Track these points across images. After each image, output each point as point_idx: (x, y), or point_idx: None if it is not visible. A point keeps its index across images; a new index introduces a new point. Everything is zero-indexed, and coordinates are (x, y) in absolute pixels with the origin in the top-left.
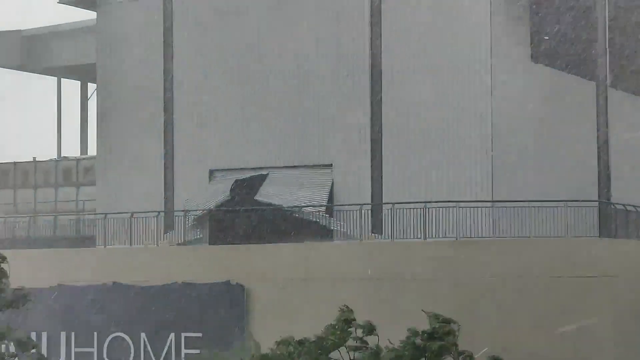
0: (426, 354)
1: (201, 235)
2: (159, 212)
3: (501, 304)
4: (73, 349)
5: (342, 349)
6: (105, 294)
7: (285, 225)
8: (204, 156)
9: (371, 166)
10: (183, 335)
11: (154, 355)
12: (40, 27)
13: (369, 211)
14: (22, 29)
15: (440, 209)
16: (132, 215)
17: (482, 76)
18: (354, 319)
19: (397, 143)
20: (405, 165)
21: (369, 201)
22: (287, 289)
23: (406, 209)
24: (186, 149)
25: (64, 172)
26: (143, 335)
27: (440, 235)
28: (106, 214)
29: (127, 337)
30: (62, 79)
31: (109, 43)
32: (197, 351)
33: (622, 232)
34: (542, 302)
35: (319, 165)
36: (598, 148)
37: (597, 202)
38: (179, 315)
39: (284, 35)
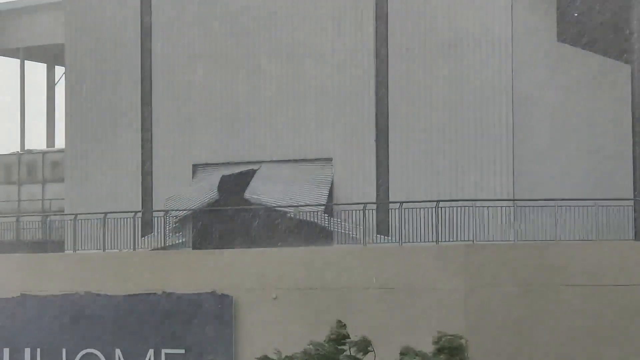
0: None
1: (184, 239)
2: (135, 212)
3: (523, 316)
4: None
5: None
6: (75, 305)
7: (279, 228)
8: (186, 149)
9: (376, 160)
10: (163, 351)
11: None
12: (0, 3)
13: (374, 211)
14: None
15: (455, 208)
16: (105, 216)
17: (503, 58)
18: (348, 336)
19: (405, 134)
20: (415, 159)
21: (374, 200)
22: (280, 300)
23: (416, 208)
24: (167, 141)
25: (27, 167)
26: (118, 351)
27: (455, 239)
28: (76, 214)
29: (99, 354)
30: (25, 61)
31: (79, 21)
32: None
33: None
34: (570, 314)
35: (317, 160)
36: (633, 139)
37: (632, 200)
38: (159, 329)
39: (278, 14)
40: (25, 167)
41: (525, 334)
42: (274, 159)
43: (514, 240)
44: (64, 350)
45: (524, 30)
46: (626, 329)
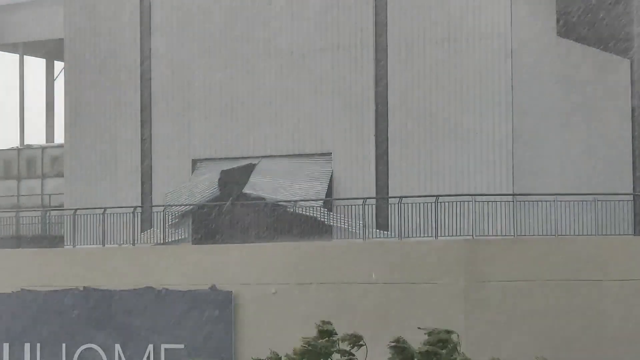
0: None
1: (185, 235)
2: (135, 207)
3: (524, 313)
4: None
5: None
6: (75, 300)
7: (279, 222)
8: (186, 144)
9: (376, 154)
10: (163, 346)
11: None
12: None
13: (373, 205)
14: None
15: (455, 203)
16: (104, 211)
17: (502, 51)
18: (334, 332)
19: (405, 128)
20: (415, 153)
21: (374, 194)
22: (280, 294)
23: (416, 203)
24: (166, 136)
25: (27, 162)
26: (117, 346)
27: (454, 234)
28: (75, 209)
29: (99, 349)
30: (24, 56)
31: (79, 16)
32: None
33: None
34: (572, 310)
35: (317, 154)
36: (633, 134)
37: (632, 195)
38: (158, 324)
39: (277, 7)
40: (24, 162)
41: (526, 330)
42: (273, 154)
43: (514, 235)
44: (63, 346)
45: (523, 24)
46: (631, 326)
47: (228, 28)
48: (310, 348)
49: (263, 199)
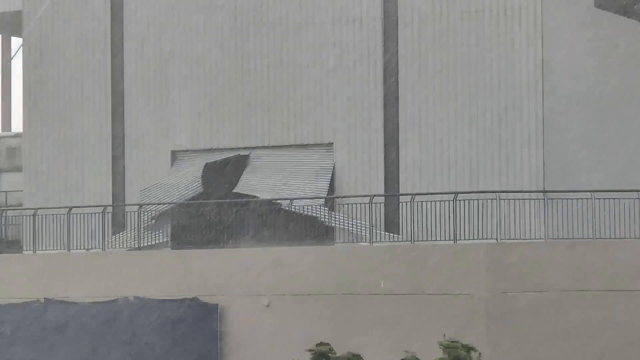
0: None
1: (165, 238)
2: (105, 207)
3: (554, 327)
4: None
5: None
6: (35, 315)
7: (272, 223)
8: (164, 133)
9: (384, 145)
10: None
11: None
12: None
13: (382, 204)
14: None
15: (475, 201)
16: (69, 211)
17: (531, 26)
18: (331, 352)
19: (418, 114)
20: (429, 144)
21: (382, 191)
22: (273, 307)
23: (430, 201)
24: (141, 124)
25: None
26: None
27: (476, 237)
28: (36, 209)
29: None
30: None
31: None
32: None
33: None
34: (609, 323)
35: (316, 145)
36: None
37: None
38: (133, 340)
39: None
40: None
41: (559, 349)
42: (266, 144)
43: (545, 239)
44: None
45: None
46: None
47: (214, 2)
48: None
49: (255, 197)
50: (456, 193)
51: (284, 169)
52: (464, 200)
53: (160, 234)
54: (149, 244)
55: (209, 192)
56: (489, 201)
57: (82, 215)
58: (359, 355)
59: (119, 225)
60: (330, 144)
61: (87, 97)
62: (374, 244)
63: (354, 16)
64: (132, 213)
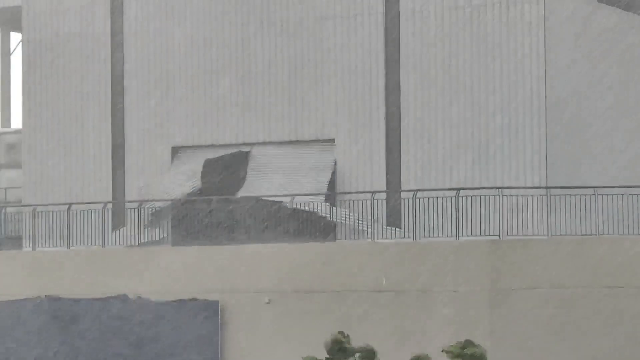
0: None
1: (163, 235)
2: (105, 203)
3: (558, 324)
4: None
5: None
6: (34, 312)
7: (273, 220)
8: (164, 129)
9: (386, 141)
10: None
11: None
12: None
13: (384, 201)
14: None
15: (478, 197)
16: (69, 208)
17: (534, 21)
18: (348, 344)
19: (420, 110)
20: (432, 140)
21: (384, 187)
22: (275, 304)
23: (433, 197)
24: (141, 119)
25: None
26: None
27: (478, 233)
28: (35, 205)
29: None
30: None
31: None
32: None
33: None
34: (614, 321)
35: (318, 141)
36: None
37: None
38: (134, 339)
39: None
40: None
41: (563, 346)
42: (266, 140)
43: (548, 235)
44: None
45: None
46: None
47: None
48: None
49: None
50: (459, 189)
51: (285, 165)
52: (467, 196)
53: (160, 231)
54: (149, 240)
55: (209, 189)
56: (492, 197)
57: (82, 211)
58: (374, 350)
59: (119, 221)
60: (332, 140)
61: (87, 93)
62: (376, 241)
63: (355, 12)
64: (132, 209)
